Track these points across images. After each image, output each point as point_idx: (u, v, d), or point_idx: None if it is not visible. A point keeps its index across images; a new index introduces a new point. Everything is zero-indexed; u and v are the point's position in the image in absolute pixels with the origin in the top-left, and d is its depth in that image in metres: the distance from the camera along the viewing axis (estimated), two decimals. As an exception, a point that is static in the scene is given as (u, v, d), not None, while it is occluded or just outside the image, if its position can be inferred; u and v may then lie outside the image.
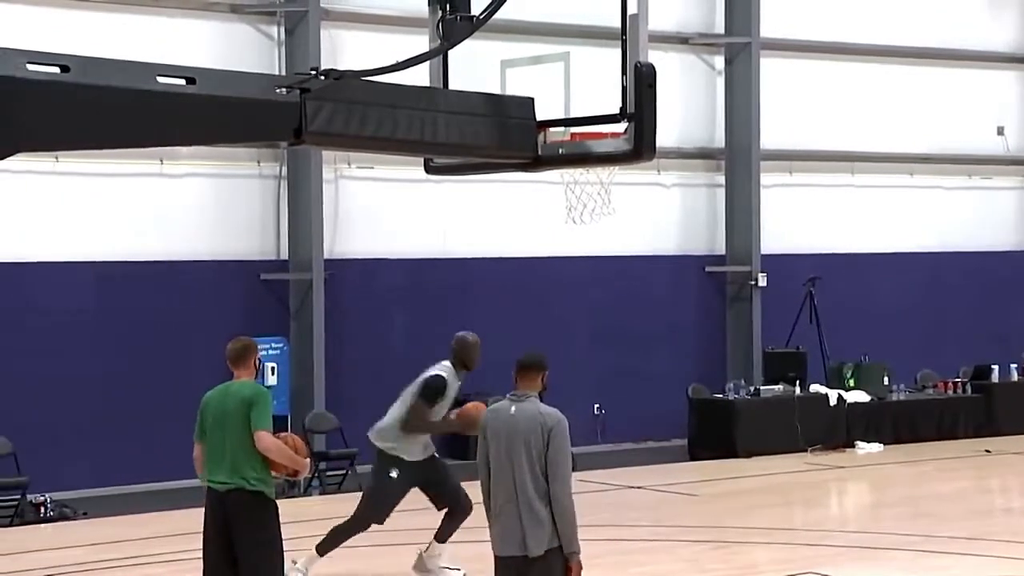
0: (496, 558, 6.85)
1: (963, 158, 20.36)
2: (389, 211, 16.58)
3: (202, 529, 7.80)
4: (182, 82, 6.68)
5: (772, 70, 18.76)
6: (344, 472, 15.06)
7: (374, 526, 9.97)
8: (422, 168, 8.76)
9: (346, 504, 14.01)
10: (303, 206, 15.82)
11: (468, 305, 17.05)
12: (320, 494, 14.86)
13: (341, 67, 7.60)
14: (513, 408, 6.91)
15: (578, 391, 17.61)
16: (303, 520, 12.47)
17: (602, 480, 15.14)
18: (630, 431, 17.88)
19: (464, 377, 9.91)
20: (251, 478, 7.61)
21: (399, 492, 9.83)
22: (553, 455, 6.76)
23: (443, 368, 9.83)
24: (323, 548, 9.87)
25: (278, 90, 7.16)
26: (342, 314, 16.17)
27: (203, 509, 7.86)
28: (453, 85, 8.15)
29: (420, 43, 8.15)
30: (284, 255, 15.96)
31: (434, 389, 9.76)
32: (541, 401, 7.03)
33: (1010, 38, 20.79)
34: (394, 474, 9.72)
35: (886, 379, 17.84)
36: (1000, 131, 20.73)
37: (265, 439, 7.57)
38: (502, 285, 17.27)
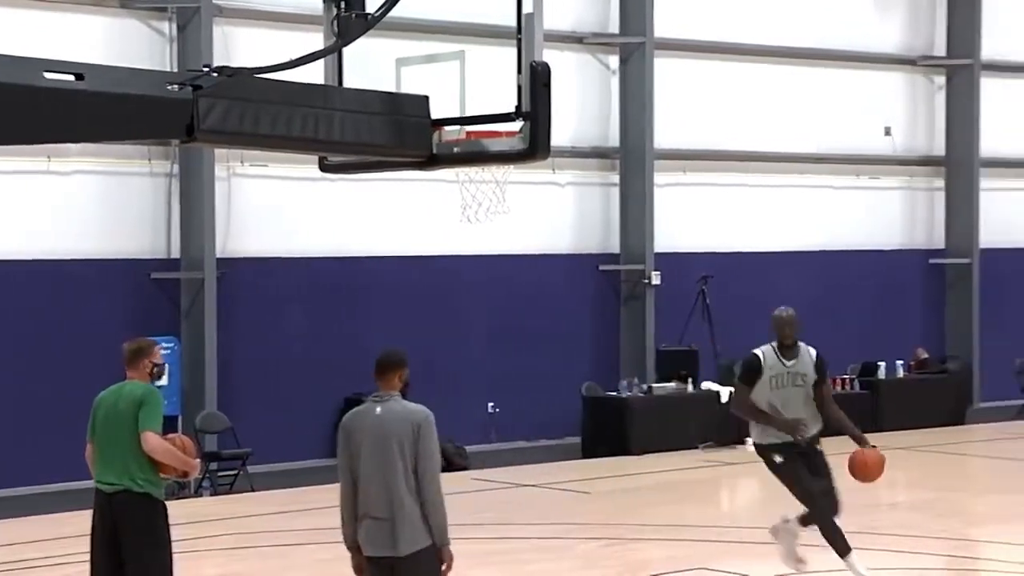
0: (367, 559, 6.81)
1: (852, 158, 20.71)
2: (283, 209, 16.46)
3: (90, 531, 7.70)
4: (70, 78, 6.57)
5: (666, 70, 18.92)
6: (236, 472, 14.93)
7: None
8: (316, 166, 8.70)
9: (239, 504, 13.95)
10: (195, 204, 15.64)
11: (363, 304, 16.99)
12: (212, 495, 14.73)
13: (234, 64, 7.53)
14: (378, 409, 6.88)
15: (473, 390, 17.65)
16: (196, 521, 12.36)
17: (496, 478, 15.17)
18: (524, 429, 17.94)
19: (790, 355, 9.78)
20: (139, 479, 7.52)
21: (793, 468, 9.83)
22: (423, 451, 6.78)
23: (762, 348, 9.84)
24: (839, 547, 9.77)
25: (169, 87, 7.07)
26: (235, 313, 16.02)
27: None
28: (348, 83, 8.11)
29: (315, 41, 8.10)
30: (175, 254, 15.78)
31: (744, 367, 9.77)
32: (404, 398, 6.93)
33: (897, 39, 21.18)
34: (778, 459, 9.83)
35: (776, 376, 18.04)
36: (887, 131, 21.10)
37: (151, 440, 7.49)
38: (398, 284, 17.23)
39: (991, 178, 21.71)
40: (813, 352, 9.94)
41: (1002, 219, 21.88)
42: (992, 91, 21.53)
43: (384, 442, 6.78)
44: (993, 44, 21.42)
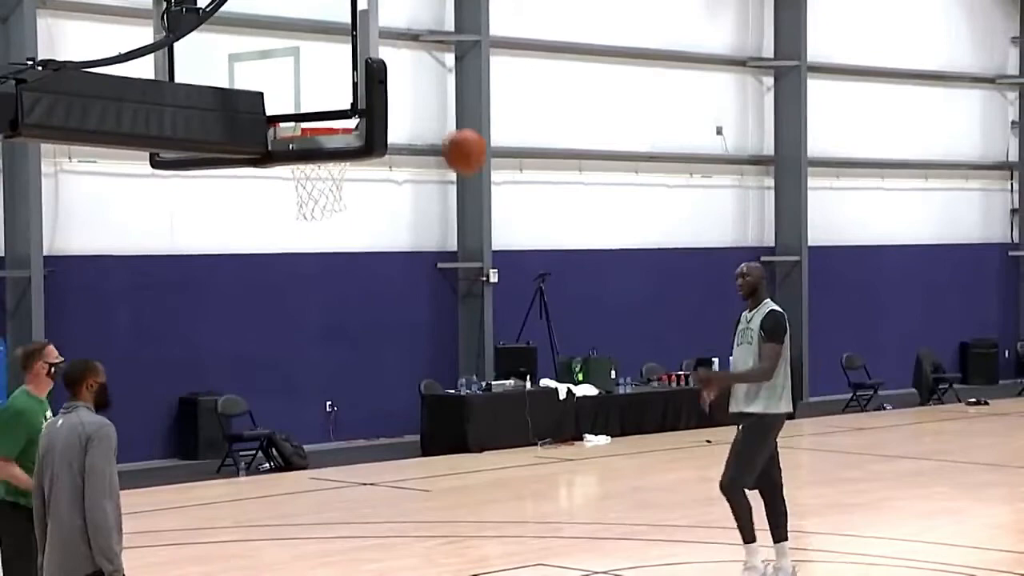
0: None
1: (685, 157, 21.02)
2: (113, 206, 16.12)
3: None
4: None
5: (502, 68, 18.99)
6: (66, 476, 14.56)
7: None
8: (148, 162, 8.52)
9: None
10: (20, 201, 15.22)
11: (197, 303, 16.73)
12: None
13: (61, 58, 7.33)
14: (60, 421, 6.56)
15: (310, 388, 17.50)
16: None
17: (335, 477, 15.07)
18: (362, 428, 17.85)
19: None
20: (2, 490, 7.31)
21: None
22: (90, 465, 6.33)
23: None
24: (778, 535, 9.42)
25: (-8, 80, 6.86)
26: (63, 313, 15.64)
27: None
28: (179, 79, 7.96)
29: (144, 35, 7.93)
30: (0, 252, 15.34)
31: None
32: (98, 409, 6.61)
33: (727, 41, 21.57)
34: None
35: (613, 373, 18.25)
36: (719, 131, 21.47)
37: None
38: (232, 282, 17.00)
39: (818, 177, 22.24)
40: (765, 309, 9.59)
41: (829, 217, 22.43)
42: (818, 92, 22.06)
43: (58, 456, 6.40)
44: (818, 47, 21.95)
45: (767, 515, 9.61)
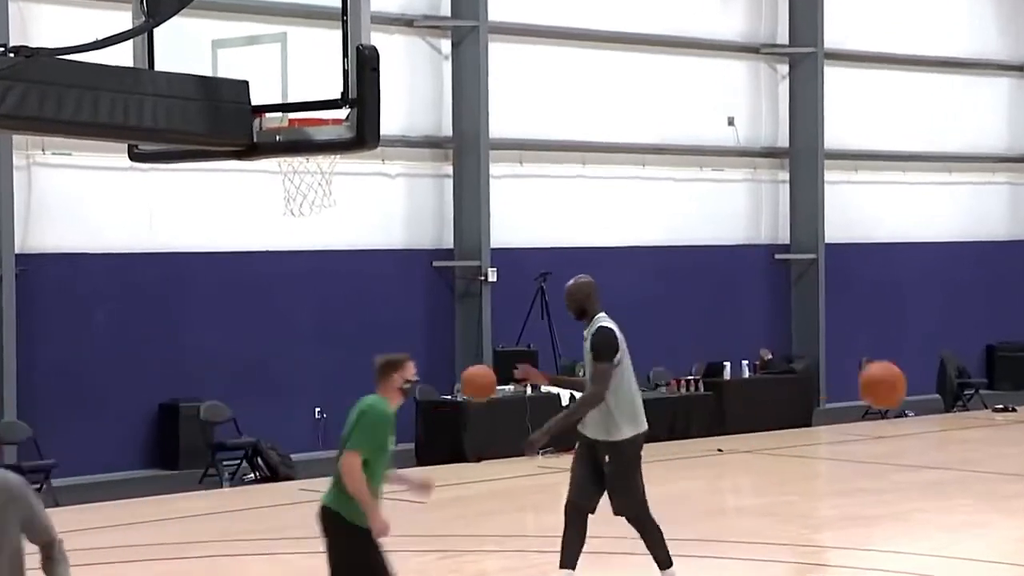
0: None
1: (694, 149, 21.02)
2: (90, 201, 16.12)
3: None
4: None
5: (501, 55, 18.98)
6: (38, 486, 14.56)
7: None
8: (126, 155, 8.52)
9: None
10: (-9, 196, 15.23)
11: (179, 303, 16.73)
12: (13, 512, 14.33)
13: (33, 44, 7.33)
14: None
15: (299, 394, 17.50)
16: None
17: (324, 489, 15.04)
18: (354, 436, 17.81)
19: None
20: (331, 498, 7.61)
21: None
22: None
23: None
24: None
25: (-39, 68, 6.86)
26: (37, 314, 15.64)
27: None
28: (160, 66, 7.96)
29: (123, 20, 7.93)
30: (-30, 249, 15.34)
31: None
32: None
33: (740, 26, 21.57)
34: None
35: (618, 377, 18.22)
36: (731, 122, 21.47)
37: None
38: (216, 281, 17.00)
39: (836, 170, 22.24)
40: (595, 325, 9.45)
41: (847, 213, 22.43)
42: (835, 80, 22.07)
43: None
44: (835, 32, 21.95)
45: (566, 537, 9.39)
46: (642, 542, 9.53)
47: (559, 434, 9.53)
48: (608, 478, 9.34)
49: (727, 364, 19.37)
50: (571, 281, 9.63)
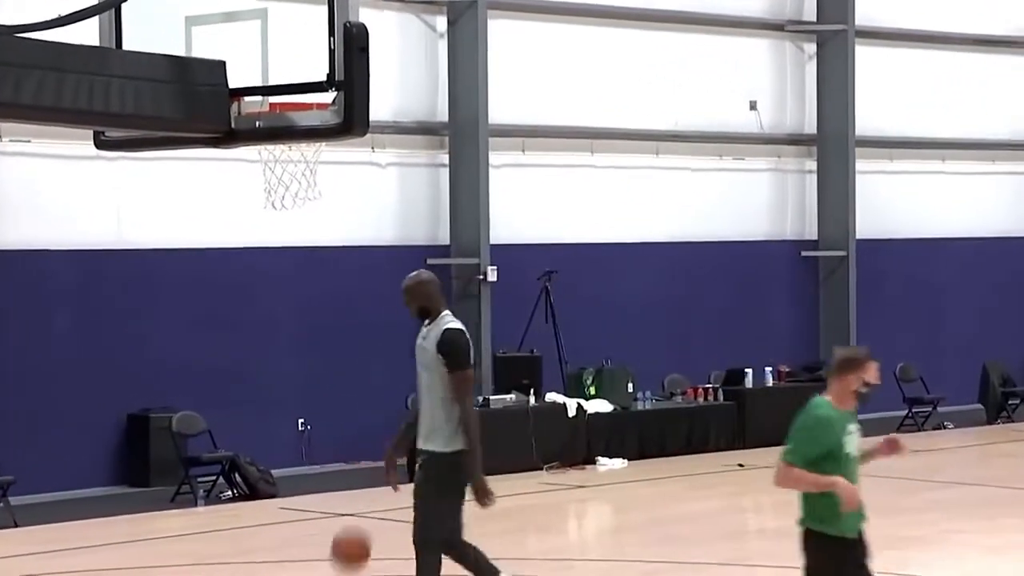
0: None
1: (713, 135, 21.02)
2: (52, 194, 16.13)
3: None
4: None
5: (501, 33, 18.99)
6: (-3, 505, 14.59)
7: None
8: (92, 142, 8.53)
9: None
10: (-55, 187, 15.25)
11: (150, 305, 16.73)
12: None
13: (-9, 21, 7.34)
14: None
15: (280, 403, 17.50)
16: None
17: (307, 507, 15.07)
18: (340, 450, 17.84)
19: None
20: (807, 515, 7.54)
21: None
22: None
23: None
24: None
25: (-89, 47, 6.87)
26: (-6, 316, 15.67)
27: None
28: (128, 45, 7.96)
29: (88, -6, 7.94)
30: (-78, 246, 15.37)
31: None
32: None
33: (763, 3, 21.56)
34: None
35: (630, 386, 18.25)
36: (753, 106, 21.47)
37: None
38: (190, 281, 17.01)
39: (868, 159, 22.24)
40: (441, 326, 9.15)
41: (880, 205, 22.43)
42: (868, 61, 22.06)
43: None
44: (867, 8, 21.94)
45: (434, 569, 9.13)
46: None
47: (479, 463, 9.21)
48: (428, 494, 9.07)
49: (749, 371, 19.36)
50: (411, 276, 9.37)
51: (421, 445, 9.21)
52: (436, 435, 9.11)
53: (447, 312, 9.26)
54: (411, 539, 9.18)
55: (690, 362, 19.89)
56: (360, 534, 8.46)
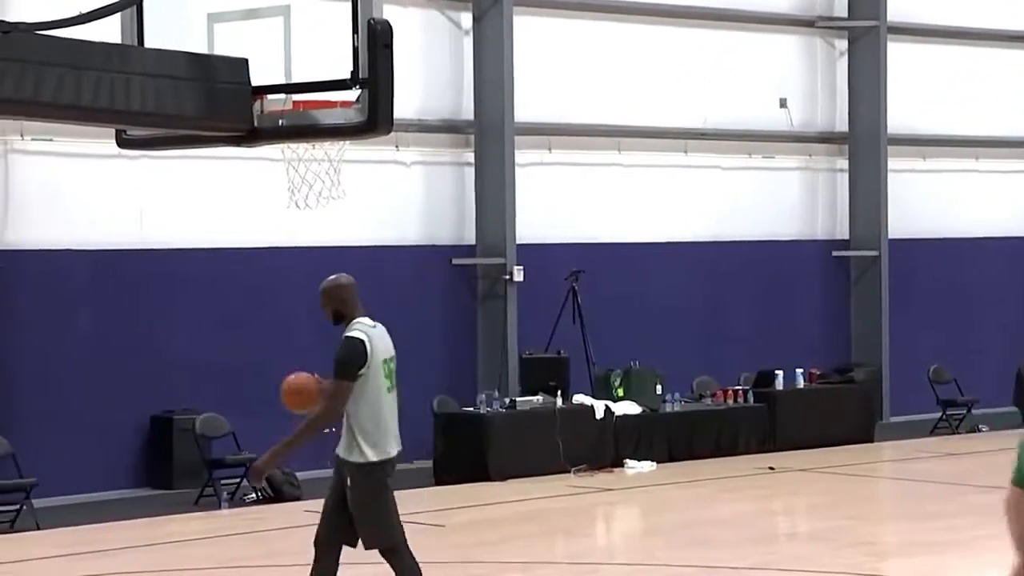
0: None
1: (742, 134, 20.97)
2: (73, 193, 16.16)
3: None
4: None
5: (527, 29, 18.96)
6: (18, 507, 14.60)
7: None
8: (113, 141, 8.53)
9: (20, 546, 13.64)
10: (-35, 186, 15.30)
11: (171, 305, 16.75)
12: (-11, 535, 14.41)
13: (10, 18, 7.35)
14: None
15: (303, 406, 17.48)
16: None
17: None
18: (365, 452, 17.82)
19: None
20: None
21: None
22: None
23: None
24: None
25: (-69, 45, 6.88)
26: (14, 317, 15.70)
27: None
28: (150, 43, 7.97)
29: (109, -9, 7.94)
30: (-59, 246, 15.42)
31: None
32: None
33: (794, -1, 21.52)
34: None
35: (659, 388, 18.20)
36: (783, 103, 21.41)
37: None
38: (213, 281, 17.02)
39: (900, 157, 22.16)
40: (345, 333, 9.32)
41: (913, 205, 22.35)
42: (900, 57, 21.98)
43: None
44: (900, 4, 21.86)
45: (312, 572, 9.17)
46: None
47: (287, 456, 9.34)
48: (352, 505, 9.14)
49: (779, 373, 19.29)
50: (329, 280, 9.43)
51: (339, 453, 9.35)
52: (344, 444, 9.28)
53: (359, 319, 9.32)
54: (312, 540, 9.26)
55: (719, 363, 19.84)
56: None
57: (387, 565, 9.08)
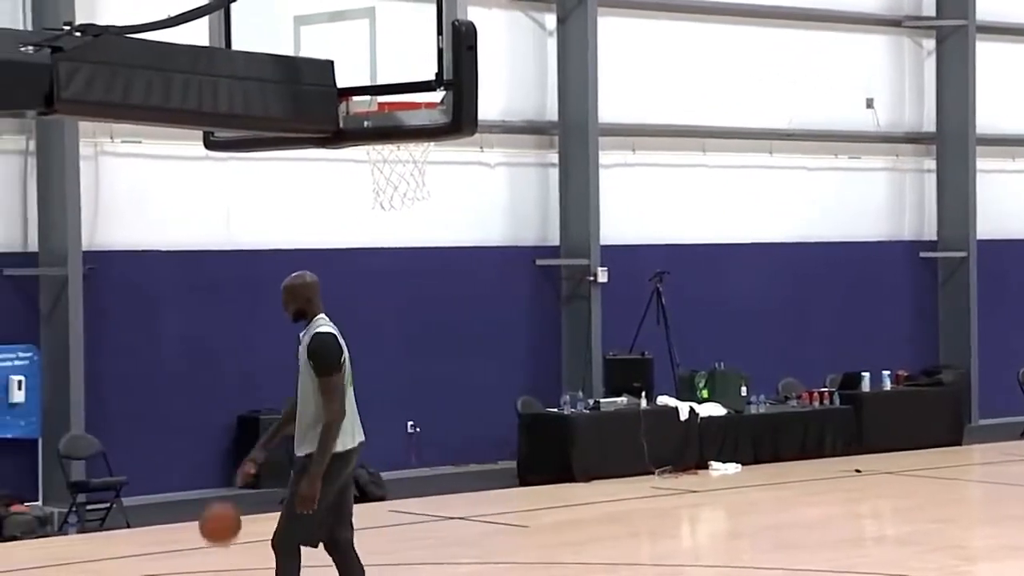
0: None
1: (829, 134, 20.84)
2: (161, 194, 16.31)
3: None
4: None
5: (612, 30, 18.95)
6: (108, 505, 14.78)
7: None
8: (201, 143, 8.62)
9: (110, 544, 13.80)
10: (55, 187, 15.45)
11: (258, 306, 16.84)
12: (79, 532, 14.56)
13: (101, 22, 7.43)
14: None
15: (388, 406, 17.55)
16: (58, 564, 12.20)
17: (417, 510, 15.13)
18: (450, 452, 17.89)
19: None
20: None
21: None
22: None
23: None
24: None
25: (23, 48, 6.97)
26: (104, 317, 15.86)
27: None
28: (237, 45, 8.04)
29: (197, -6, 8.03)
30: (32, 247, 15.59)
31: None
32: None
33: (881, -2, 21.37)
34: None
35: (744, 389, 18.14)
36: (870, 104, 21.27)
37: None
38: (298, 282, 17.10)
39: (989, 157, 21.94)
40: (313, 329, 9.27)
41: (1002, 205, 22.12)
42: (989, 56, 21.76)
43: None
44: (989, 3, 21.64)
45: None
46: None
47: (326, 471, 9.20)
48: (289, 492, 9.20)
49: (866, 375, 19.17)
50: (293, 276, 9.43)
51: (296, 448, 9.29)
52: (308, 439, 9.19)
53: (322, 316, 9.31)
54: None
55: (804, 365, 19.72)
56: (227, 511, 8.96)
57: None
